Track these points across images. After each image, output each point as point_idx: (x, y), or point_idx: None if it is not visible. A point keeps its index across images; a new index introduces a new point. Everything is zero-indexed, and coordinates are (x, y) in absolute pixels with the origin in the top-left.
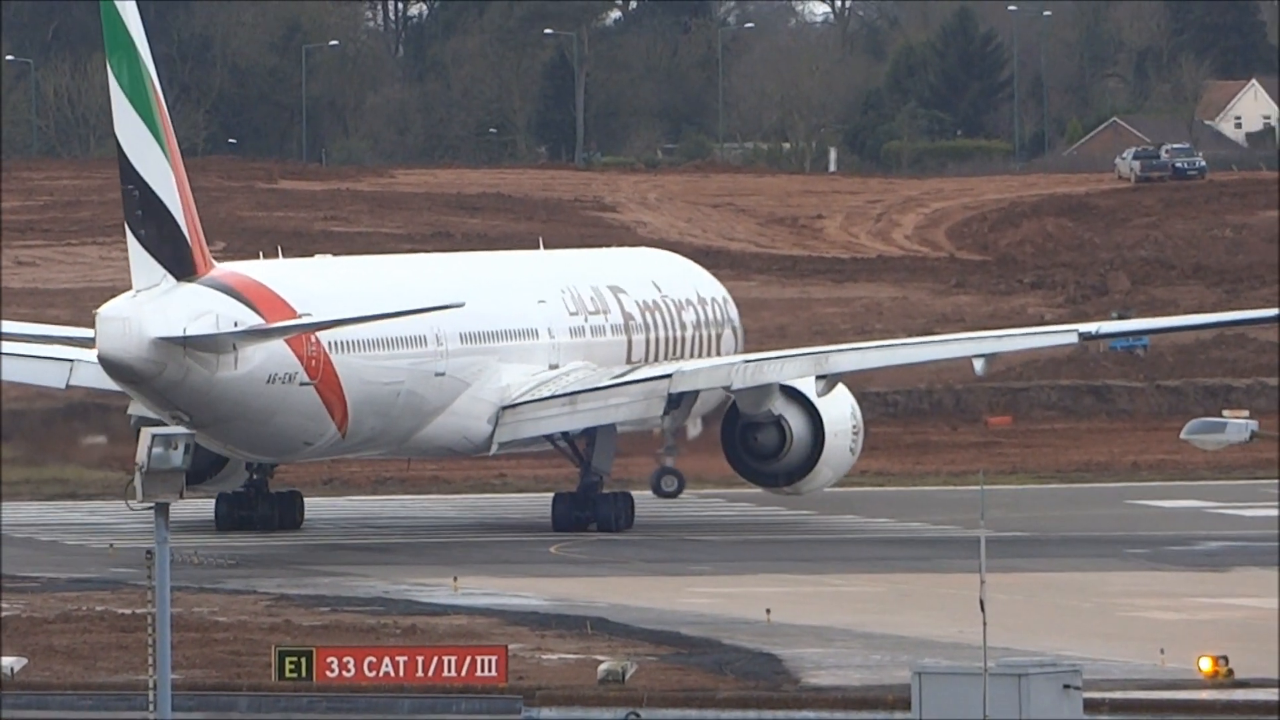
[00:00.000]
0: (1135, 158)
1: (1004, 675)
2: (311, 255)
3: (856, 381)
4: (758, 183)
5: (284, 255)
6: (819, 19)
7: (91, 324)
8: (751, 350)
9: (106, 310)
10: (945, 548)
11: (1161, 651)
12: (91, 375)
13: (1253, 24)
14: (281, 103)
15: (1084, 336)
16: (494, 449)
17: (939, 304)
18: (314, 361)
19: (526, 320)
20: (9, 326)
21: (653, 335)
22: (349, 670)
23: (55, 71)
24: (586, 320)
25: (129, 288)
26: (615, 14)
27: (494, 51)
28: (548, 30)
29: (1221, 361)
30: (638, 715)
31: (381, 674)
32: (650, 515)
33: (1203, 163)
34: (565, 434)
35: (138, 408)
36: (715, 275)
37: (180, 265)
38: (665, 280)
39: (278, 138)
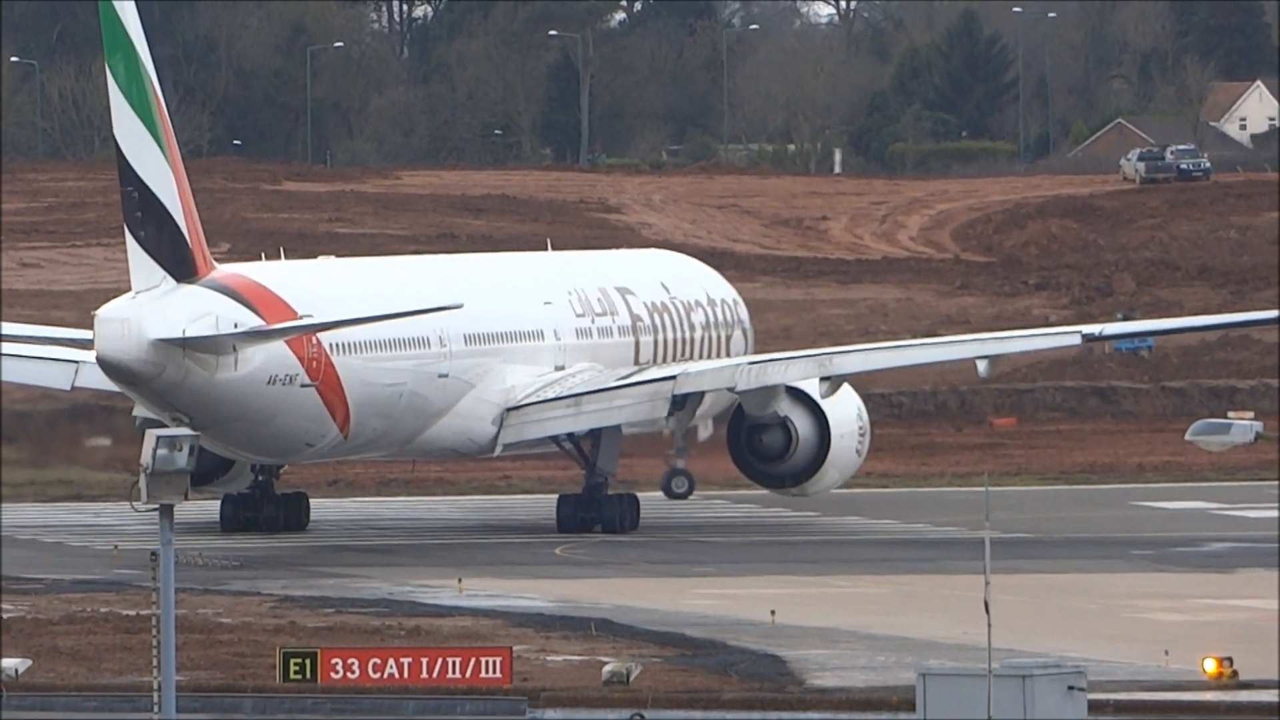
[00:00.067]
0: (1140, 159)
1: (1008, 676)
2: (316, 257)
3: (861, 383)
4: (762, 184)
5: (288, 257)
6: (824, 21)
7: None
8: (756, 352)
9: (105, 312)
10: (950, 549)
11: (1166, 653)
12: (96, 377)
13: (1257, 25)
14: (286, 104)
15: (1087, 338)
16: (498, 450)
17: (944, 305)
18: (315, 363)
19: (532, 322)
20: (14, 328)
21: (661, 337)
22: (353, 672)
23: (60, 73)
24: (593, 322)
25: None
26: (620, 16)
27: (499, 53)
28: (553, 32)
29: (1226, 363)
30: (642, 716)
31: (386, 675)
32: (655, 517)
33: (1207, 164)
34: (570, 435)
35: (143, 410)
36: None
37: (180, 267)
38: (674, 282)
39: (283, 139)
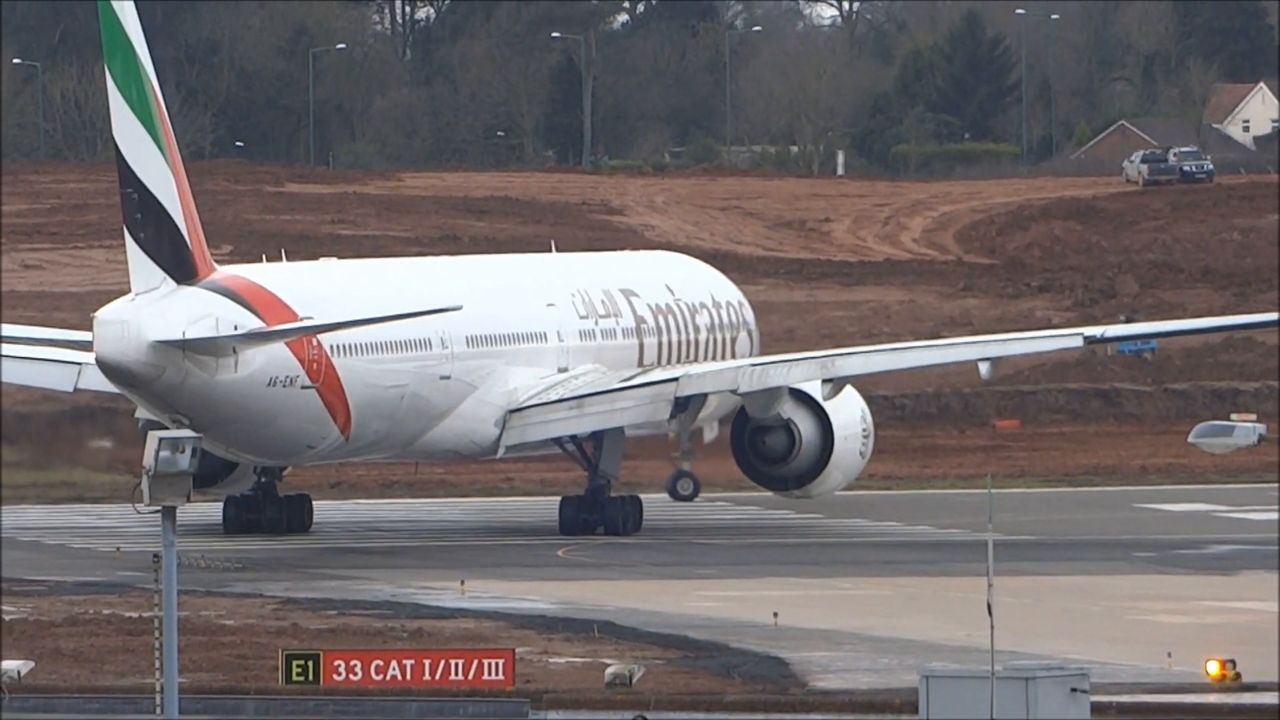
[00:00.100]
0: (1143, 161)
1: (1011, 679)
2: (318, 259)
3: (864, 385)
4: (765, 186)
5: (290, 259)
6: (826, 22)
7: None
8: (760, 354)
9: (105, 313)
10: (953, 551)
11: (1169, 655)
12: (99, 379)
13: (1260, 27)
14: (289, 106)
15: (1089, 340)
16: (501, 452)
17: (947, 307)
18: (315, 365)
19: (534, 323)
20: (16, 330)
21: (665, 339)
22: (356, 673)
23: (62, 75)
24: (597, 323)
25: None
26: (623, 17)
27: (501, 55)
28: (555, 34)
29: (1229, 365)
30: (645, 718)
31: (389, 677)
32: (658, 518)
33: (1210, 166)
34: (573, 437)
35: (145, 412)
36: None
37: (180, 268)
38: (679, 283)
39: (285, 141)
